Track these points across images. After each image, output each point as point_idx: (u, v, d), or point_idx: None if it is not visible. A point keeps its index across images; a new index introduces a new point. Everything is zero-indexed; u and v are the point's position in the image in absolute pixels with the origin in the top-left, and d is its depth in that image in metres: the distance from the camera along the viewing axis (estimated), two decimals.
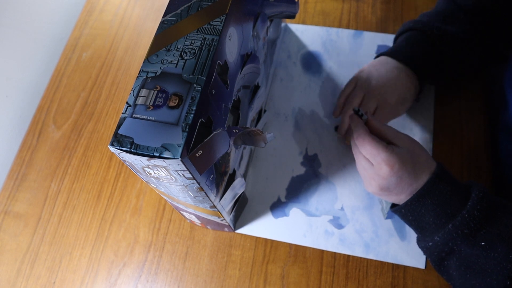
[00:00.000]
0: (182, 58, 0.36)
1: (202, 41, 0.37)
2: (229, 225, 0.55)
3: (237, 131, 0.41)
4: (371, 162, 0.46)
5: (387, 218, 0.57)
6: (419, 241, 0.48)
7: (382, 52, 0.60)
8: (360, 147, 0.47)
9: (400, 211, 0.47)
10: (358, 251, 0.56)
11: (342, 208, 0.59)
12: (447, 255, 0.44)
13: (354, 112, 0.49)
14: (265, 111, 0.63)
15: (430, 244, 0.44)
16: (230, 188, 0.47)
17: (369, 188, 0.48)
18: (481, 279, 0.42)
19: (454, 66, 0.57)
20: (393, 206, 0.50)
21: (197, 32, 0.38)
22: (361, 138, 0.46)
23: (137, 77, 0.36)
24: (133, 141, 0.32)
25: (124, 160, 0.35)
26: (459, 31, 0.55)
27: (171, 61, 0.36)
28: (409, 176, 0.44)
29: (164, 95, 0.34)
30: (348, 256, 0.56)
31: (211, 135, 0.36)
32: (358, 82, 0.58)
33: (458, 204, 0.43)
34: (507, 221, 0.41)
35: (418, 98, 0.60)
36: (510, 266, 0.40)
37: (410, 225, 0.47)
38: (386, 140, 0.47)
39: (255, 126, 0.60)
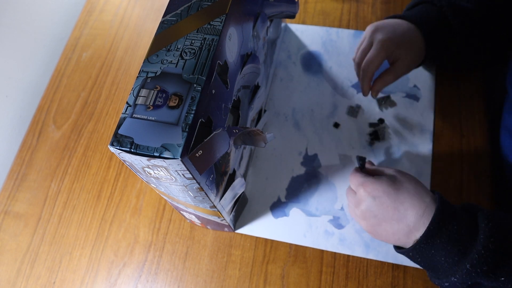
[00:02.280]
0: (182, 58, 0.36)
1: (202, 41, 0.37)
2: (229, 225, 0.55)
3: (237, 131, 0.41)
4: (352, 187, 0.51)
5: None
6: (432, 278, 0.45)
7: (393, 15, 0.59)
8: (353, 178, 0.51)
9: (408, 254, 0.45)
10: (358, 251, 0.56)
11: (342, 208, 0.59)
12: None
13: (358, 159, 0.53)
14: (265, 111, 0.63)
15: (447, 284, 0.42)
16: (230, 188, 0.47)
17: (356, 217, 0.51)
18: None
19: (462, 40, 0.56)
20: (398, 247, 0.48)
21: (197, 32, 0.38)
22: (352, 173, 0.52)
23: (137, 77, 0.36)
24: (133, 141, 0.32)
25: (124, 160, 0.35)
26: (470, 6, 0.55)
27: (171, 61, 0.36)
28: (389, 198, 0.44)
29: (164, 95, 0.34)
30: (348, 256, 0.56)
31: (211, 135, 0.36)
32: (375, 41, 0.57)
33: (468, 238, 0.40)
34: None
35: (419, 65, 0.60)
36: None
37: (419, 264, 0.45)
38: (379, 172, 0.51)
39: (255, 126, 0.60)
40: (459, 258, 0.40)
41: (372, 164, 0.55)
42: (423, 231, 0.42)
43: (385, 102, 0.65)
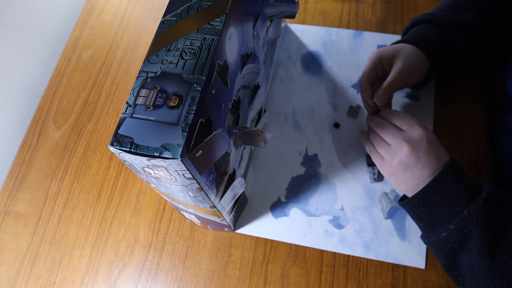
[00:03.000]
0: (182, 58, 0.36)
1: (202, 41, 0.37)
2: (229, 225, 0.55)
3: (237, 131, 0.41)
4: (388, 143, 0.50)
5: (387, 218, 0.57)
6: (426, 236, 0.48)
7: (398, 40, 0.59)
8: (381, 130, 0.51)
9: (413, 202, 0.48)
10: (358, 251, 0.56)
11: (342, 208, 0.59)
12: (460, 247, 0.44)
13: (370, 104, 0.55)
14: (265, 111, 0.63)
15: (444, 234, 0.45)
16: (230, 188, 0.47)
17: (386, 169, 0.51)
18: (490, 279, 0.42)
19: (465, 53, 0.56)
20: (401, 199, 0.51)
21: (197, 32, 0.38)
22: (381, 122, 0.52)
23: (137, 77, 0.36)
24: (133, 141, 0.32)
25: (124, 160, 0.35)
26: (470, 19, 0.56)
27: (171, 61, 0.36)
28: (424, 155, 0.47)
29: (164, 95, 0.34)
30: (348, 256, 0.56)
31: (211, 135, 0.36)
32: (371, 58, 0.57)
33: (471, 194, 0.44)
34: None
35: (421, 86, 0.61)
36: None
37: (420, 218, 0.48)
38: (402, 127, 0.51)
39: (255, 126, 0.60)
40: (460, 208, 0.44)
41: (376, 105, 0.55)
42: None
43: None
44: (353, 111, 0.65)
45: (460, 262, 0.44)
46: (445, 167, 0.46)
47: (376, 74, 0.56)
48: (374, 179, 0.59)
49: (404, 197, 0.51)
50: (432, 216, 0.46)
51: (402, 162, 0.48)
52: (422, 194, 0.47)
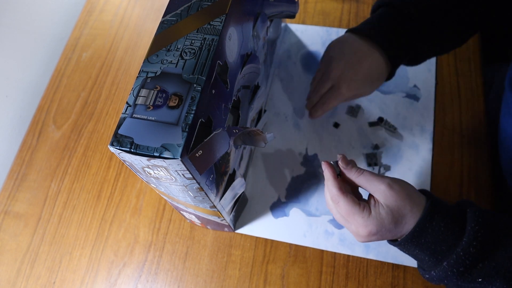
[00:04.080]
0: (182, 58, 0.36)
1: (202, 41, 0.37)
2: (229, 225, 0.55)
3: (237, 131, 0.41)
4: (351, 225, 0.44)
5: None
6: (419, 267, 0.46)
7: (350, 28, 0.57)
8: (338, 208, 0.44)
9: (397, 247, 0.45)
10: (358, 251, 0.56)
11: None
12: (447, 285, 0.43)
13: (331, 164, 0.45)
14: (265, 111, 0.63)
15: (427, 276, 0.43)
16: (230, 188, 0.47)
17: (356, 239, 0.45)
18: None
19: (429, 37, 0.53)
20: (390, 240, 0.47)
21: (197, 32, 0.38)
22: (336, 197, 0.43)
23: (137, 77, 0.36)
24: (133, 141, 0.32)
25: (124, 160, 0.35)
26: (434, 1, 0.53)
27: (171, 61, 0.36)
28: (390, 233, 0.43)
29: (164, 95, 0.34)
30: (348, 256, 0.56)
31: (211, 135, 0.36)
32: (325, 70, 0.56)
33: (453, 240, 0.40)
34: (503, 253, 0.39)
35: (390, 77, 0.57)
36: None
37: (408, 255, 0.46)
38: (368, 190, 0.44)
39: (255, 126, 0.60)
40: (442, 257, 0.41)
41: (346, 159, 0.45)
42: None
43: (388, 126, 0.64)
44: (352, 110, 0.65)
45: None
46: (421, 219, 0.41)
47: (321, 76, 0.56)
48: None
49: None
50: (417, 258, 0.44)
51: (366, 241, 0.44)
52: (402, 246, 0.43)
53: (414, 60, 0.57)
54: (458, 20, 0.54)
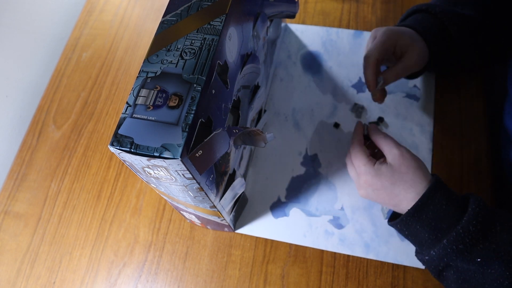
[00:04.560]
0: (182, 58, 0.36)
1: (202, 41, 0.37)
2: (229, 225, 0.55)
3: (237, 131, 0.41)
4: (356, 170, 0.50)
5: (387, 218, 0.57)
6: (417, 253, 0.47)
7: (399, 24, 0.57)
8: (351, 155, 0.51)
9: (396, 226, 0.46)
10: (358, 251, 0.56)
11: (342, 208, 0.59)
12: (444, 269, 0.43)
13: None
14: (265, 111, 0.63)
15: (427, 258, 0.44)
16: (230, 188, 0.47)
17: (358, 192, 0.52)
18: None
19: (461, 45, 0.55)
20: (391, 220, 0.49)
21: (197, 32, 0.38)
22: (353, 146, 0.51)
23: (137, 77, 0.36)
24: (133, 141, 0.32)
25: (124, 160, 0.35)
26: (467, 12, 0.55)
27: (171, 61, 0.36)
28: (385, 191, 0.46)
29: (164, 95, 0.34)
30: (348, 256, 0.56)
31: (211, 135, 0.36)
32: (379, 33, 0.55)
33: (453, 218, 0.42)
34: (503, 236, 0.40)
35: (415, 76, 0.59)
36: (507, 283, 0.39)
37: (407, 239, 0.47)
38: (383, 152, 0.50)
39: (255, 126, 0.60)
40: (441, 235, 0.42)
41: (377, 128, 0.52)
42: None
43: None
44: (357, 108, 0.65)
45: (448, 277, 0.44)
46: (425, 193, 0.43)
47: (386, 53, 0.53)
48: None
49: (394, 214, 0.50)
50: (416, 239, 0.45)
51: (363, 194, 0.50)
52: (402, 222, 0.45)
53: (444, 68, 0.60)
54: (488, 33, 0.56)
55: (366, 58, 0.53)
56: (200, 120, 0.34)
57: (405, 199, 0.45)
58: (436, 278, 0.47)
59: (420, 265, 0.54)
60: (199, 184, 0.37)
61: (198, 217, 0.52)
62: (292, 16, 0.59)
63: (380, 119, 0.64)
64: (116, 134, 0.33)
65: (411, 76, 0.60)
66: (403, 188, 0.45)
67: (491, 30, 0.56)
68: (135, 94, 0.35)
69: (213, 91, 0.36)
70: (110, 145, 0.33)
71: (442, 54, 0.56)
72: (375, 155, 0.52)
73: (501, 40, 0.58)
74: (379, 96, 0.55)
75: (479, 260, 0.40)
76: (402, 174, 0.45)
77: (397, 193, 0.45)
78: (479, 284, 0.41)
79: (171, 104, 0.33)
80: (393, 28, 0.55)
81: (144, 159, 0.33)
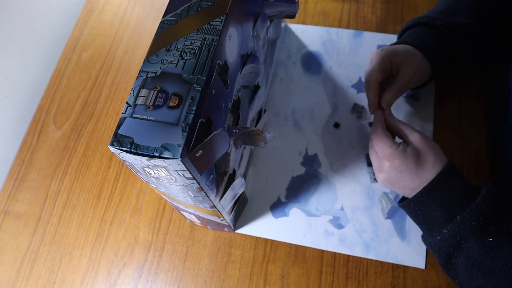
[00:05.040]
0: (182, 58, 0.36)
1: (202, 41, 0.37)
2: (229, 225, 0.55)
3: (237, 131, 0.41)
4: (379, 155, 0.50)
5: (387, 218, 0.57)
6: (425, 238, 0.48)
7: (398, 41, 0.58)
8: (373, 140, 0.50)
9: (409, 205, 0.47)
10: (358, 251, 0.56)
11: (342, 208, 0.59)
12: (454, 251, 0.44)
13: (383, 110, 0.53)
14: (265, 111, 0.63)
15: (438, 238, 0.45)
16: (230, 188, 0.47)
17: (378, 178, 0.51)
18: (488, 279, 0.42)
19: (463, 55, 0.56)
20: (401, 201, 0.51)
21: (197, 32, 0.38)
22: (375, 132, 0.50)
23: (137, 77, 0.36)
24: (133, 141, 0.32)
25: (124, 160, 0.35)
26: (468, 22, 0.55)
27: (171, 61, 0.36)
28: (410, 173, 0.46)
29: (164, 95, 0.34)
30: (348, 256, 0.56)
31: (211, 135, 0.36)
32: (375, 54, 0.55)
33: (467, 199, 0.44)
34: None
35: (422, 87, 0.60)
36: None
37: (418, 220, 0.48)
38: (402, 136, 0.50)
39: (255, 126, 0.60)
40: (455, 214, 0.43)
41: (390, 114, 0.52)
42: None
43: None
44: (357, 108, 0.65)
45: (456, 264, 0.44)
46: (441, 172, 0.45)
47: (384, 73, 0.54)
48: (374, 179, 0.59)
49: (404, 197, 0.51)
50: (428, 219, 0.46)
51: (386, 178, 0.49)
52: (417, 199, 0.46)
53: (447, 76, 0.60)
54: (488, 39, 0.56)
55: (367, 81, 0.55)
56: (200, 120, 0.34)
57: (427, 180, 0.46)
58: (443, 268, 0.47)
59: (420, 265, 0.54)
60: (199, 184, 0.37)
61: (198, 217, 0.52)
62: (292, 16, 0.59)
63: None
64: (116, 134, 0.33)
65: (415, 88, 0.61)
66: (426, 169, 0.46)
67: (490, 38, 0.56)
68: (135, 94, 0.35)
69: (213, 91, 0.36)
70: (110, 145, 0.33)
71: (445, 68, 0.57)
72: None
73: (502, 42, 0.58)
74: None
75: (490, 239, 0.42)
76: (426, 156, 0.46)
77: (421, 174, 0.46)
78: (489, 269, 0.42)
79: (171, 104, 0.34)
80: (387, 47, 0.55)
81: (144, 159, 0.33)
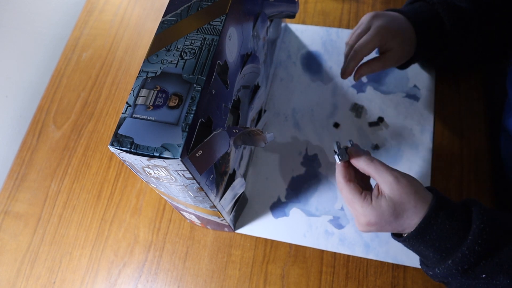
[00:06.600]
0: (182, 58, 0.36)
1: (202, 41, 0.37)
2: (229, 225, 0.55)
3: (237, 131, 0.41)
4: (351, 212, 0.46)
5: None
6: (422, 264, 0.46)
7: (391, 8, 0.59)
8: (344, 200, 0.45)
9: (402, 243, 0.45)
10: (358, 251, 0.56)
11: (342, 208, 0.59)
12: (448, 283, 0.43)
13: (337, 147, 0.47)
14: (265, 111, 0.63)
15: (431, 273, 0.43)
16: (230, 188, 0.47)
17: (358, 228, 0.47)
18: None
19: (456, 39, 0.56)
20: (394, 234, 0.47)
21: (197, 32, 0.38)
22: (340, 187, 0.45)
23: (137, 77, 0.36)
24: (133, 141, 0.32)
25: (124, 160, 0.35)
26: (464, 5, 0.55)
27: (171, 61, 0.36)
28: (391, 226, 0.43)
29: (164, 95, 0.34)
30: (348, 256, 0.56)
31: (211, 135, 0.36)
32: (373, 26, 0.55)
33: (458, 237, 0.40)
34: (507, 250, 0.39)
35: (405, 65, 0.60)
36: None
37: (413, 251, 0.46)
38: (374, 179, 0.45)
39: (255, 126, 0.60)
40: (446, 255, 0.41)
41: (357, 149, 0.46)
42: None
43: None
44: (357, 107, 0.65)
45: (451, 285, 0.44)
46: (426, 216, 0.41)
47: (374, 48, 0.55)
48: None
49: None
50: (421, 255, 0.44)
51: (366, 231, 0.45)
52: (405, 243, 0.44)
53: (440, 61, 0.59)
54: (485, 29, 0.56)
55: (356, 51, 0.54)
56: (200, 120, 0.34)
57: (410, 226, 0.43)
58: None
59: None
60: (199, 184, 0.37)
61: (198, 217, 0.52)
62: (292, 16, 0.59)
63: (380, 119, 0.64)
64: (116, 134, 0.33)
65: (401, 67, 0.61)
66: (407, 217, 0.42)
67: (489, 26, 0.56)
68: (135, 94, 0.35)
69: (213, 91, 0.36)
70: (110, 145, 0.33)
71: (434, 46, 0.57)
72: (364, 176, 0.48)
73: (500, 40, 0.58)
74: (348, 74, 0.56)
75: (483, 276, 0.40)
76: (404, 204, 0.42)
77: (402, 223, 0.43)
78: None
79: (171, 104, 0.34)
80: (385, 24, 0.55)
81: (144, 159, 0.33)
